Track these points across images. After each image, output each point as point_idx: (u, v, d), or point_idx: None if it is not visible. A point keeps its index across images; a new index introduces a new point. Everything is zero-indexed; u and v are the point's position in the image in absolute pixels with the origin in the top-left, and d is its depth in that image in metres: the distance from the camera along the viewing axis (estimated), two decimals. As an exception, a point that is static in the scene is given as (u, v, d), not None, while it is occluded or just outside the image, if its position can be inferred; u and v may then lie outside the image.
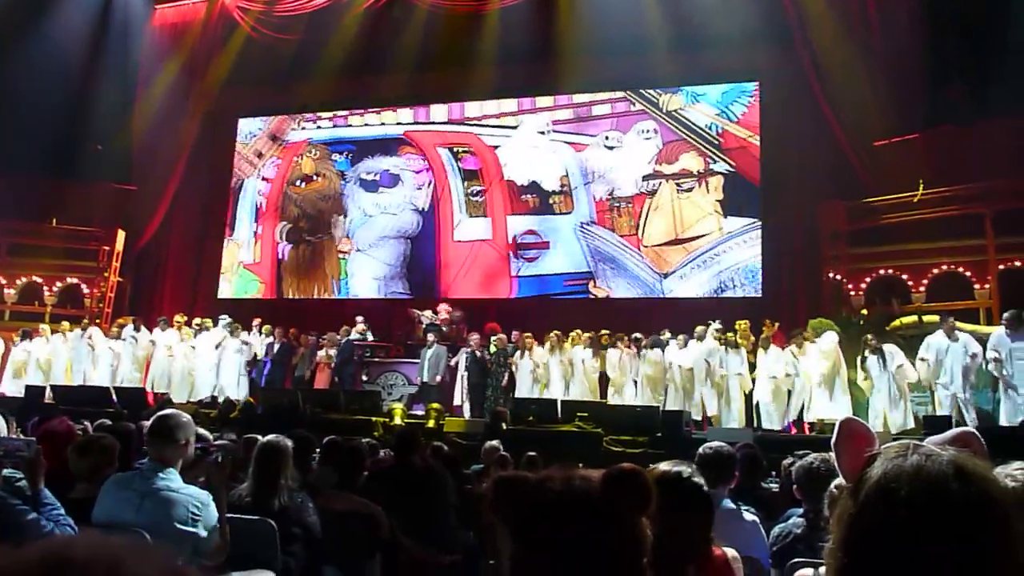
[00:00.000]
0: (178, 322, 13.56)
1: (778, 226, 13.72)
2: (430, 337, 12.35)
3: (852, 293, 12.36)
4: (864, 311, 12.03)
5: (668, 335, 11.64)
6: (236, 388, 12.74)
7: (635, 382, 11.43)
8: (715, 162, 14.54)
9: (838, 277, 12.58)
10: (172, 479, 3.13)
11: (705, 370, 11.07)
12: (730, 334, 11.10)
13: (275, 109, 17.25)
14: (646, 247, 14.66)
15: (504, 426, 9.33)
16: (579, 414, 9.55)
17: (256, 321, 13.75)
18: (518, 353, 11.82)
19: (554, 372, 11.61)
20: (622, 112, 15.36)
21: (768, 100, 14.29)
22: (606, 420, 9.46)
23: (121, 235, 15.76)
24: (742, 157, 14.47)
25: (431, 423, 10.01)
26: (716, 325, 11.31)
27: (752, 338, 11.16)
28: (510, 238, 15.44)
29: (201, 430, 3.68)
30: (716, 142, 14.65)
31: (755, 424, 10.68)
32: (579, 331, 11.98)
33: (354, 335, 13.20)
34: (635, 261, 14.70)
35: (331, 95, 16.30)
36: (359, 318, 13.58)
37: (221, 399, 12.00)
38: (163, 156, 16.13)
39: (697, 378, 11.10)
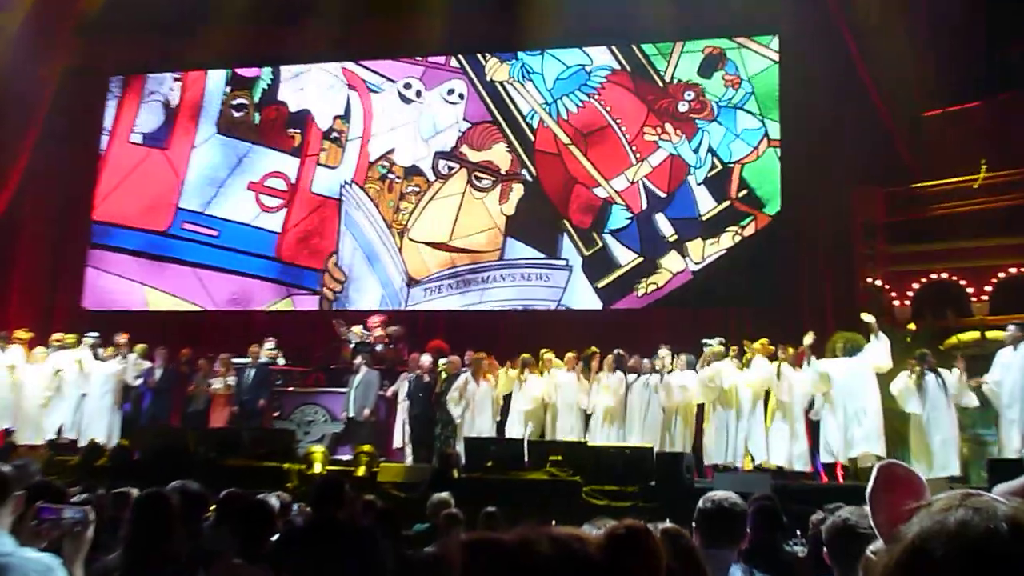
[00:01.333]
0: (19, 339, 13.20)
1: (798, 219, 13.92)
2: (359, 360, 12.39)
3: (896, 302, 12.42)
4: (911, 325, 12.08)
5: (666, 353, 11.80)
6: (105, 427, 12.64)
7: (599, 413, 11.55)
8: (524, 167, 15.28)
9: (878, 282, 12.64)
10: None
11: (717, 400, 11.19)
12: (742, 353, 11.29)
13: (159, 65, 17.26)
14: (412, 240, 15.38)
15: (456, 473, 9.51)
16: (552, 457, 9.68)
17: (122, 338, 13.39)
18: (465, 379, 11.82)
19: (519, 402, 11.72)
20: (435, 64, 16.13)
21: (787, 60, 14.60)
22: (586, 465, 9.58)
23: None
24: (549, 168, 15.08)
25: (361, 471, 10.16)
26: (712, 343, 11.51)
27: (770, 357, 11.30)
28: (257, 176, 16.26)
29: (56, 483, 3.73)
30: (529, 139, 15.32)
31: (767, 466, 10.80)
32: (542, 350, 12.18)
33: (263, 357, 13.21)
34: (391, 256, 15.44)
35: (233, 48, 16.24)
36: (269, 338, 13.60)
37: (84, 441, 11.95)
38: (10, 122, 15.91)
39: (705, 411, 11.35)
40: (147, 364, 13.02)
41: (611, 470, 9.47)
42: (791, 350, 11.15)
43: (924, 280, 12.38)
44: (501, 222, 15.38)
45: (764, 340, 11.44)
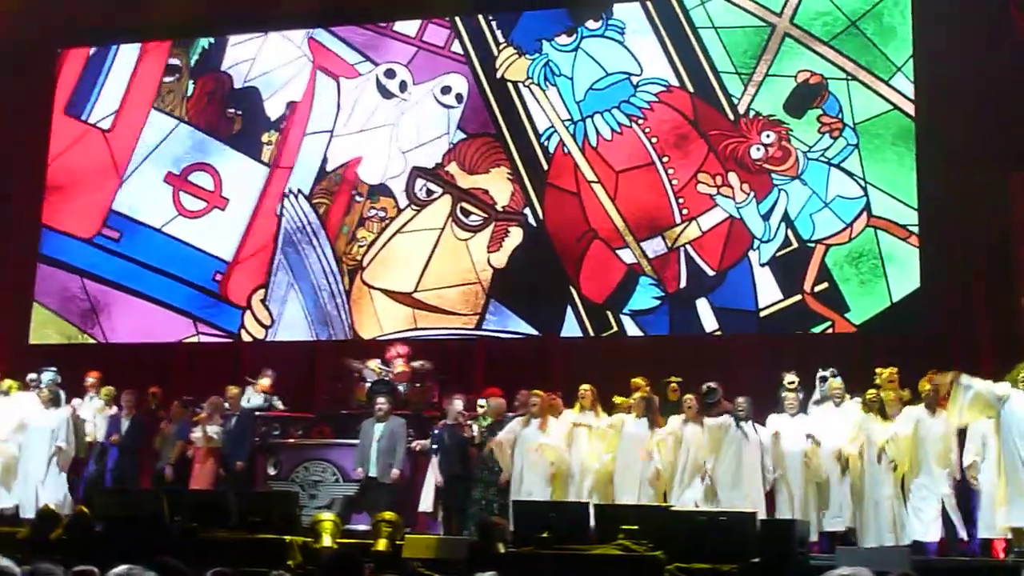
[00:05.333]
0: None
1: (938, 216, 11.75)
2: (380, 403, 11.25)
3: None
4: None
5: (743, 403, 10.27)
6: (59, 490, 11.87)
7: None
8: (528, 205, 12.91)
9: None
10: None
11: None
12: (870, 393, 10.07)
13: (116, 34, 15.31)
14: (366, 283, 13.30)
15: (502, 547, 8.82)
16: (625, 526, 8.84)
17: (91, 378, 12.56)
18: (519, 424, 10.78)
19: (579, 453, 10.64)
20: (431, 46, 13.55)
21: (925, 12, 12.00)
22: (669, 536, 8.76)
23: None
24: (562, 210, 12.61)
25: (382, 544, 9.33)
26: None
27: (903, 395, 10.12)
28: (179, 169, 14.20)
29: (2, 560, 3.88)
30: (541, 166, 12.87)
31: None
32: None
33: (255, 399, 12.25)
34: (331, 292, 13.42)
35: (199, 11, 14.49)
36: (268, 371, 12.45)
37: (35, 509, 11.19)
38: None
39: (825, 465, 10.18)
40: (111, 410, 12.37)
41: (702, 543, 8.66)
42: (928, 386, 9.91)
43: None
44: (486, 276, 12.86)
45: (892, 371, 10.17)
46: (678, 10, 12.39)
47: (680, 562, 8.56)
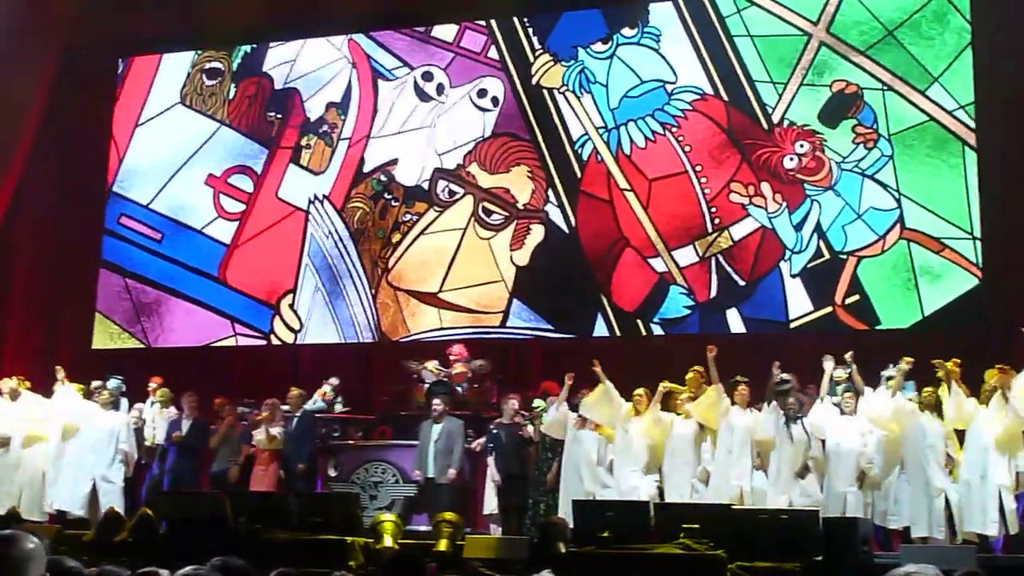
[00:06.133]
0: (10, 389, 12.15)
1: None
2: (437, 404, 11.24)
3: None
4: None
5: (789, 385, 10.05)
6: (121, 494, 11.72)
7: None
8: (548, 202, 12.79)
9: None
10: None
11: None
12: (926, 391, 9.83)
13: (176, 41, 15.22)
14: (392, 286, 13.25)
15: (562, 547, 8.72)
16: (686, 526, 8.74)
17: (154, 383, 12.48)
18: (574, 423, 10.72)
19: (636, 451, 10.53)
20: (468, 52, 13.46)
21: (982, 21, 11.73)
22: (731, 535, 8.60)
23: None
24: (595, 218, 12.49)
25: (443, 544, 9.32)
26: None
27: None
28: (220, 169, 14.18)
29: (70, 561, 3.87)
30: (575, 173, 12.69)
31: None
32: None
33: (316, 403, 12.18)
34: (360, 297, 13.38)
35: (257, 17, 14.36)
36: (332, 380, 12.32)
37: (101, 512, 11.03)
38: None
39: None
40: (170, 413, 12.30)
41: (764, 541, 8.50)
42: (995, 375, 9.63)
43: None
44: (510, 275, 12.83)
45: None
46: (714, 18, 12.23)
47: (742, 561, 8.52)
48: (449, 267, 13.18)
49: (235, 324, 13.73)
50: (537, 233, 12.83)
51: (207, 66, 14.53)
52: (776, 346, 11.63)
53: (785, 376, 10.20)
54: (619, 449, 10.61)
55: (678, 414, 10.53)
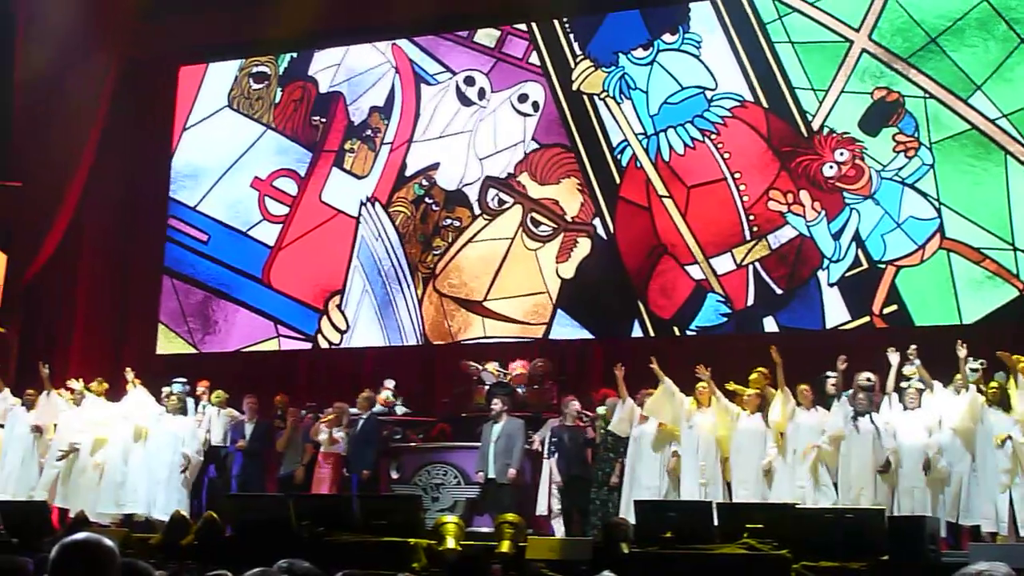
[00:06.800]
0: (74, 391, 12.22)
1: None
2: (494, 404, 11.25)
3: None
4: None
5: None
6: (187, 497, 11.88)
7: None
8: (597, 215, 12.74)
9: None
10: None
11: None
12: (991, 385, 9.64)
13: (236, 48, 15.22)
14: (439, 291, 13.27)
15: (626, 548, 8.73)
16: (750, 525, 8.69)
17: (201, 387, 12.53)
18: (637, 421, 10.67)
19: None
20: (510, 57, 13.47)
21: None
22: (795, 534, 8.54)
23: (0, 259, 14.67)
24: (632, 224, 12.45)
25: (505, 545, 9.30)
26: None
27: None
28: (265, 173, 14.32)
29: (143, 563, 3.68)
30: (614, 180, 12.64)
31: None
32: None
33: (377, 406, 12.23)
34: (409, 307, 13.39)
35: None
36: (388, 382, 12.39)
37: (168, 515, 11.07)
38: (62, 134, 14.68)
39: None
40: (238, 416, 12.28)
41: (829, 541, 8.42)
42: None
43: None
44: (555, 287, 12.77)
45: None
46: (755, 24, 12.14)
47: (807, 560, 8.42)
48: (495, 276, 13.19)
49: (278, 326, 13.83)
50: (584, 247, 12.77)
51: (254, 70, 14.65)
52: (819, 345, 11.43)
53: (871, 375, 10.05)
54: (685, 446, 10.52)
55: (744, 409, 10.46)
